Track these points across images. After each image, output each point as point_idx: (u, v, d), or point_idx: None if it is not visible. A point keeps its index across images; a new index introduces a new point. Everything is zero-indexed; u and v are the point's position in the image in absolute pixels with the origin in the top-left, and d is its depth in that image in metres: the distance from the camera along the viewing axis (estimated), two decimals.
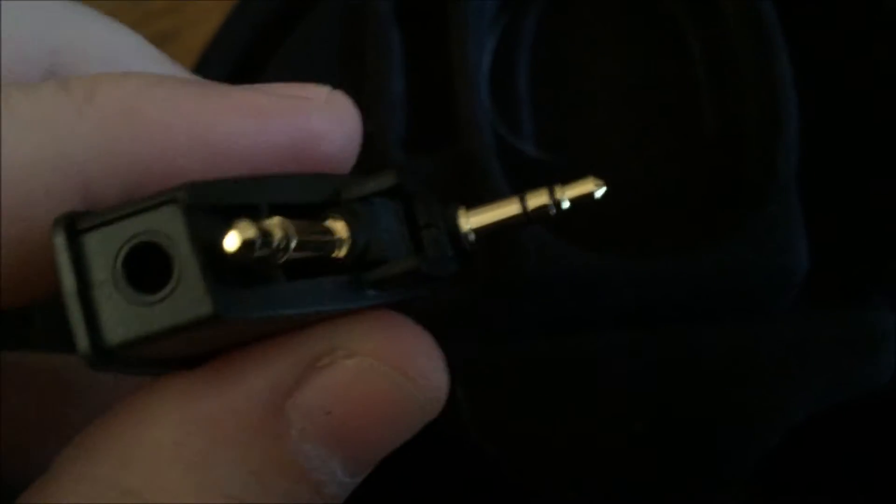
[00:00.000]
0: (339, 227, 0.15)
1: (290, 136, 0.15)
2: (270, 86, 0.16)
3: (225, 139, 0.15)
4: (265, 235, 0.13)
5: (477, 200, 0.29)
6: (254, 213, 0.13)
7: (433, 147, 0.31)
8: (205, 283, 0.13)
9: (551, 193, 0.16)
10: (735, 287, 0.27)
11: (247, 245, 0.12)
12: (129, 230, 0.13)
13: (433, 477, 0.28)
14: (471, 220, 0.16)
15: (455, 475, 0.29)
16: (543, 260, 0.28)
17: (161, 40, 0.39)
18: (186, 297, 0.13)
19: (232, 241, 0.12)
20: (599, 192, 0.16)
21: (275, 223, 0.13)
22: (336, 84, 0.32)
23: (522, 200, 0.16)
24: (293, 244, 0.13)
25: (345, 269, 0.15)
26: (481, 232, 0.16)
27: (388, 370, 0.15)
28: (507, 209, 0.16)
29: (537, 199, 0.16)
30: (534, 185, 0.31)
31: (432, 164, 0.30)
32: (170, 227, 0.13)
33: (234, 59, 0.34)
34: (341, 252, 0.15)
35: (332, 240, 0.15)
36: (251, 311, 0.13)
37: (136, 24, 0.39)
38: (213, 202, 0.13)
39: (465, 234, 0.16)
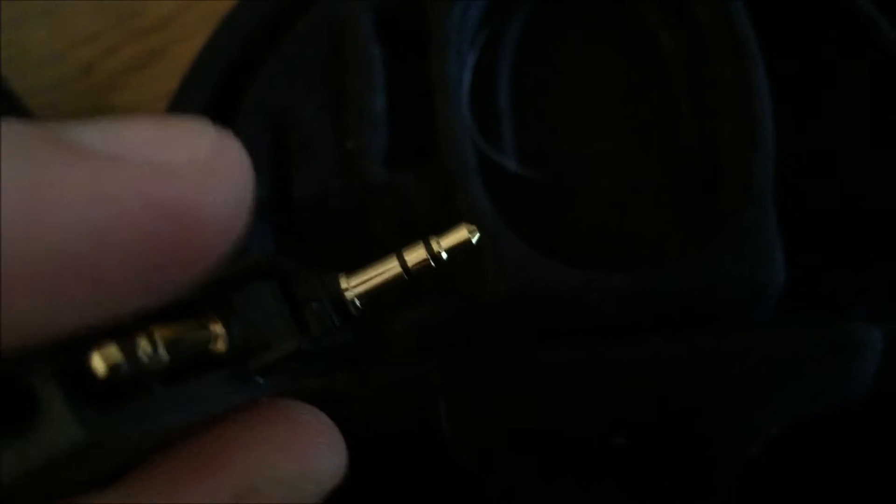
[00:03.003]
0: (213, 321, 0.14)
1: (152, 217, 0.11)
2: (129, 138, 0.12)
3: (63, 241, 0.11)
4: (130, 354, 0.12)
5: (458, 217, 0.29)
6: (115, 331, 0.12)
7: (415, 163, 0.31)
8: (70, 410, 0.12)
9: (428, 247, 0.16)
10: (713, 298, 0.27)
11: (113, 369, 0.12)
12: None
13: (412, 487, 0.29)
14: (352, 285, 0.16)
15: (434, 486, 0.29)
16: (523, 274, 0.28)
17: (149, 57, 0.39)
18: (56, 426, 0.12)
19: (98, 368, 0.12)
20: (475, 238, 0.16)
21: (140, 338, 0.12)
22: (319, 100, 0.32)
23: (400, 258, 0.16)
24: (163, 355, 0.13)
25: (227, 362, 0.14)
26: (365, 295, 0.16)
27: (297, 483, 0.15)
28: (387, 269, 0.16)
29: (415, 255, 0.16)
30: (515, 200, 0.31)
31: (413, 181, 0.30)
32: (35, 368, 0.12)
33: (219, 76, 0.34)
34: (220, 346, 0.14)
35: (207, 336, 0.14)
36: (128, 427, 0.12)
37: (124, 42, 0.40)
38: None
39: (350, 301, 0.16)
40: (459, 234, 0.16)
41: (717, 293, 0.27)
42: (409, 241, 0.31)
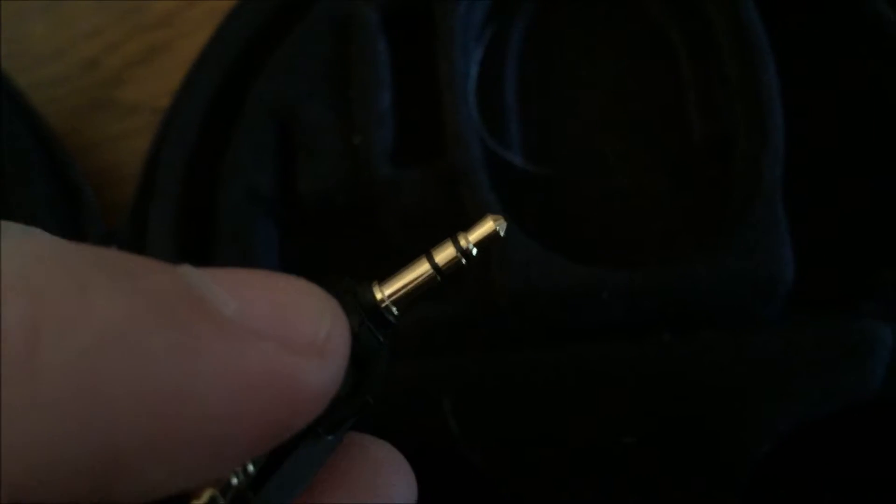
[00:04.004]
0: None
1: (275, 394, 0.12)
2: (261, 307, 0.12)
3: (200, 415, 0.11)
4: (224, 486, 0.12)
5: (465, 213, 0.29)
6: None
7: (421, 159, 0.31)
8: None
9: (456, 244, 0.16)
10: (722, 296, 0.27)
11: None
12: None
13: (421, 486, 0.28)
14: (387, 294, 0.15)
15: (443, 484, 0.29)
16: (529, 271, 0.28)
17: (152, 53, 0.39)
18: None
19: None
20: (502, 229, 0.16)
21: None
22: (324, 96, 0.32)
23: (430, 258, 0.16)
24: (250, 468, 0.13)
25: (301, 435, 0.14)
26: (400, 301, 0.15)
27: None
28: (418, 270, 0.15)
29: (445, 253, 0.16)
30: (522, 198, 0.31)
31: (420, 177, 0.30)
32: None
33: (223, 72, 0.34)
34: None
35: None
36: None
37: (127, 37, 0.39)
38: None
39: (387, 308, 0.15)
40: (486, 227, 0.16)
41: (726, 291, 0.27)
42: (415, 237, 0.31)
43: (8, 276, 0.10)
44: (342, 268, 0.32)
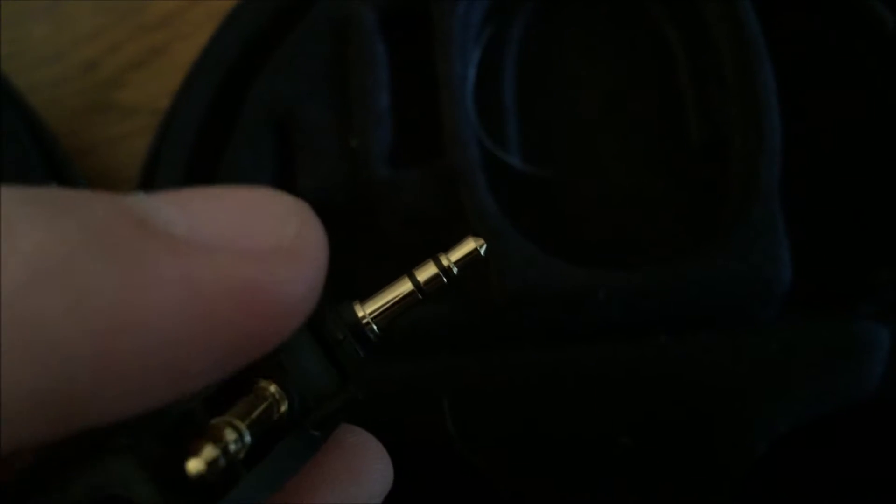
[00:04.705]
0: (268, 385, 0.14)
1: (236, 306, 0.11)
2: (215, 221, 0.12)
3: (150, 336, 0.11)
4: (224, 447, 0.12)
5: (463, 215, 0.29)
6: (189, 420, 0.13)
7: (419, 161, 0.31)
8: None
9: (437, 263, 0.16)
10: (720, 297, 0.27)
11: (211, 466, 0.12)
12: (85, 488, 0.12)
13: (419, 487, 0.28)
14: (368, 312, 0.16)
15: (441, 485, 0.29)
16: (527, 273, 0.28)
17: (152, 54, 0.39)
18: None
19: (197, 468, 0.12)
20: (482, 249, 0.16)
21: (226, 430, 0.12)
22: (323, 97, 0.32)
23: (412, 278, 0.16)
24: (248, 440, 0.13)
25: (288, 425, 0.14)
26: (382, 319, 0.16)
27: None
28: (400, 289, 0.16)
29: (426, 272, 0.16)
30: (520, 199, 0.31)
31: (418, 178, 0.30)
32: (125, 474, 0.12)
33: (222, 73, 0.34)
34: (282, 410, 0.14)
35: (273, 405, 0.14)
36: None
37: (128, 39, 0.40)
38: (155, 433, 0.13)
39: (368, 325, 0.16)
40: (467, 247, 0.16)
41: (724, 292, 0.27)
42: (414, 238, 0.31)
43: None
44: (342, 267, 0.32)
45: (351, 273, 0.32)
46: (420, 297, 0.16)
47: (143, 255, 0.11)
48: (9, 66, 0.38)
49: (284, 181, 0.32)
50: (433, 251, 0.31)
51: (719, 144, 0.30)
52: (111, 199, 0.11)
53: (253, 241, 0.12)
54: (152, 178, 0.33)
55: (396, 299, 0.16)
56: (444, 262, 0.16)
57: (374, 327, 0.16)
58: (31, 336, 0.10)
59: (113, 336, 0.10)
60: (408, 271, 0.16)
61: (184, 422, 0.13)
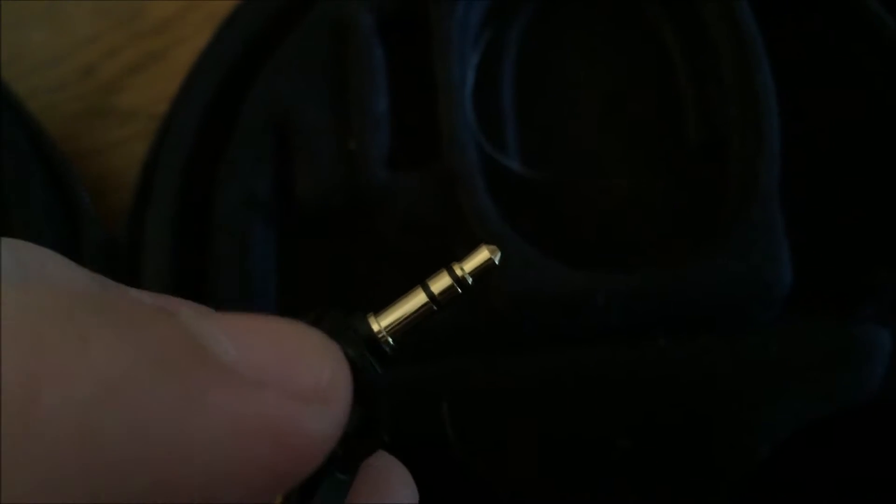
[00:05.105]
0: None
1: (274, 443, 0.12)
2: (263, 353, 0.12)
3: (198, 464, 0.11)
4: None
5: (462, 218, 0.29)
6: None
7: (418, 163, 0.31)
8: None
9: (451, 273, 0.16)
10: (719, 299, 0.27)
11: None
12: None
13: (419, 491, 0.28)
14: (383, 325, 0.15)
15: (439, 488, 0.29)
16: (526, 276, 0.28)
17: (149, 59, 0.39)
18: None
19: None
20: (497, 258, 0.16)
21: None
22: (321, 101, 0.32)
23: (426, 289, 0.16)
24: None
25: (322, 472, 0.14)
26: (397, 332, 0.15)
27: None
28: (414, 301, 0.16)
29: (440, 283, 0.16)
30: (519, 202, 0.31)
31: (416, 182, 0.30)
32: None
33: (220, 78, 0.34)
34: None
35: None
36: None
37: (124, 44, 0.40)
38: None
39: (383, 338, 0.15)
40: (481, 256, 0.16)
41: (723, 294, 0.27)
42: (412, 241, 0.31)
43: (8, 327, 0.10)
44: (341, 271, 0.32)
45: (349, 276, 0.32)
46: (435, 308, 0.16)
47: (200, 382, 0.11)
48: (8, 71, 0.38)
49: (283, 184, 0.32)
50: (432, 255, 0.31)
51: (718, 146, 0.30)
52: (171, 318, 0.12)
53: (296, 381, 0.12)
54: (150, 183, 0.33)
55: (411, 311, 0.16)
56: (458, 272, 0.16)
57: (390, 340, 0.15)
58: (91, 449, 0.10)
59: (163, 455, 0.10)
60: (422, 282, 0.16)
61: None
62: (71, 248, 0.33)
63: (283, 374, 0.12)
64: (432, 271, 0.30)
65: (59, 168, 0.35)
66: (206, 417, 0.11)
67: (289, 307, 0.31)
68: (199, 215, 0.32)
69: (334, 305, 0.16)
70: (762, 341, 0.27)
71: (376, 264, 0.32)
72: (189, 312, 0.12)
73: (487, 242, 0.16)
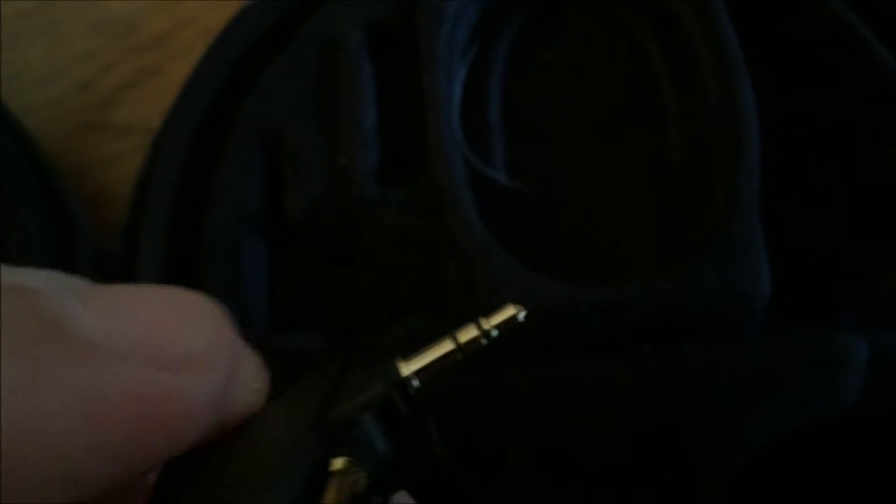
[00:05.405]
0: (342, 463, 0.15)
1: (141, 412, 0.11)
2: (131, 327, 0.12)
3: (49, 442, 0.11)
4: None
5: (449, 232, 0.29)
6: None
7: (406, 179, 0.31)
8: None
9: (479, 326, 0.17)
10: (699, 312, 0.28)
11: None
12: None
13: None
14: (412, 370, 0.17)
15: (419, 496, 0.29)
16: (511, 289, 0.28)
17: (144, 74, 0.40)
18: None
19: None
20: (521, 316, 0.18)
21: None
22: (311, 117, 0.32)
23: (454, 338, 0.17)
24: None
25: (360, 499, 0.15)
26: (423, 376, 0.17)
27: None
28: (441, 348, 0.17)
29: (467, 334, 0.17)
30: (505, 215, 0.32)
31: (404, 196, 0.31)
32: None
33: (213, 93, 0.35)
34: (361, 487, 0.15)
35: (357, 481, 0.15)
36: None
37: (120, 59, 0.40)
38: None
39: (409, 381, 0.17)
40: (507, 313, 0.18)
41: (704, 306, 0.28)
42: (401, 255, 0.31)
43: None
44: (331, 287, 0.33)
45: (339, 290, 0.32)
46: (459, 356, 0.17)
47: (48, 358, 0.11)
48: (4, 87, 0.38)
49: (274, 199, 0.33)
50: (421, 268, 0.31)
51: (702, 160, 0.31)
52: (28, 292, 0.11)
53: (163, 349, 0.12)
54: (144, 198, 0.33)
55: (438, 358, 0.17)
56: (485, 326, 0.17)
57: (415, 384, 0.17)
58: None
59: (9, 442, 0.10)
60: (450, 332, 0.17)
61: None
62: (66, 261, 0.33)
63: (151, 343, 0.12)
64: (422, 285, 0.31)
65: (55, 183, 0.35)
66: (55, 393, 0.11)
67: (279, 320, 0.32)
68: (191, 230, 0.33)
69: (358, 346, 0.17)
70: (742, 352, 0.27)
71: (366, 279, 0.32)
72: (52, 288, 0.12)
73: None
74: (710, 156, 0.30)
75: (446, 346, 0.17)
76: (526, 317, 0.18)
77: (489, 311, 0.18)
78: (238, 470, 0.14)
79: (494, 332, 0.17)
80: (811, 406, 0.27)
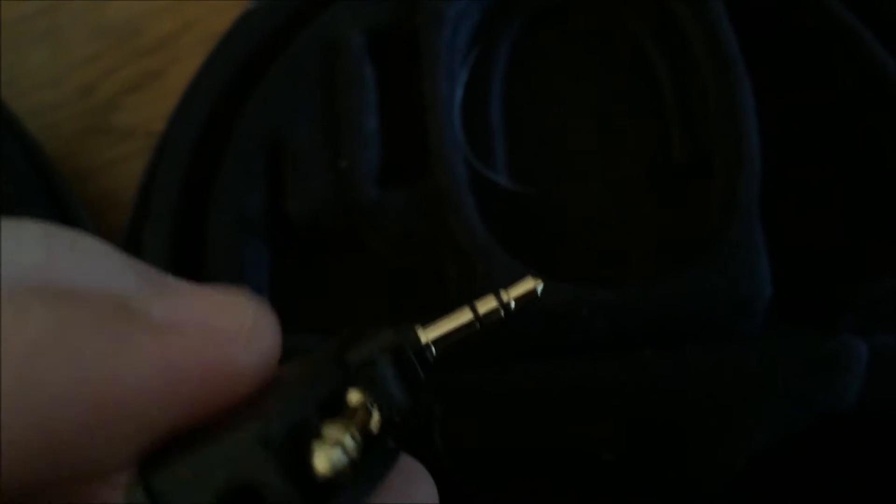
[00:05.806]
0: (361, 399, 0.15)
1: (205, 374, 0.14)
2: (188, 309, 0.15)
3: (131, 395, 0.14)
4: (343, 448, 0.14)
5: (450, 234, 0.29)
6: (304, 430, 0.14)
7: (407, 181, 0.31)
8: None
9: (498, 298, 0.17)
10: (701, 313, 0.28)
11: (335, 466, 0.14)
12: (215, 478, 0.14)
13: None
14: (430, 337, 0.17)
15: None
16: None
17: (147, 78, 0.40)
18: None
19: (323, 466, 0.14)
20: (539, 288, 0.18)
21: (344, 436, 0.14)
22: (312, 119, 0.33)
23: (473, 308, 0.17)
24: (360, 444, 0.14)
25: (376, 437, 0.15)
26: (440, 344, 0.17)
27: None
28: (460, 318, 0.17)
29: (486, 305, 0.17)
30: (506, 217, 0.32)
31: (405, 199, 0.31)
32: (256, 466, 0.13)
33: (216, 96, 0.35)
34: (374, 425, 0.15)
35: (370, 418, 0.15)
36: None
37: (123, 63, 0.40)
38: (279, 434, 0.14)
39: (428, 349, 0.17)
40: (526, 286, 0.18)
41: (704, 308, 0.28)
42: (403, 258, 0.32)
43: None
44: (333, 287, 0.33)
45: (341, 293, 0.33)
46: (478, 326, 0.17)
47: (128, 333, 0.14)
48: (8, 91, 0.39)
49: (276, 202, 0.33)
50: (423, 271, 0.32)
51: (703, 162, 0.31)
52: (102, 290, 0.15)
53: (217, 328, 0.15)
54: (147, 201, 0.33)
55: (456, 327, 0.17)
56: (504, 298, 0.17)
57: (433, 351, 0.17)
58: (33, 394, 0.13)
59: (98, 393, 0.13)
60: (469, 302, 0.17)
61: (301, 427, 0.14)
62: None
63: (207, 323, 0.15)
64: (423, 287, 0.31)
65: (58, 187, 0.35)
66: (133, 357, 0.14)
67: (280, 322, 0.32)
68: (194, 233, 0.33)
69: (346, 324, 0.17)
70: (742, 354, 0.27)
71: (368, 281, 0.32)
72: (132, 288, 0.15)
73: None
74: (711, 158, 0.30)
75: (465, 317, 0.17)
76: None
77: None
78: (259, 397, 0.15)
79: (513, 304, 0.17)
80: (811, 407, 0.27)
